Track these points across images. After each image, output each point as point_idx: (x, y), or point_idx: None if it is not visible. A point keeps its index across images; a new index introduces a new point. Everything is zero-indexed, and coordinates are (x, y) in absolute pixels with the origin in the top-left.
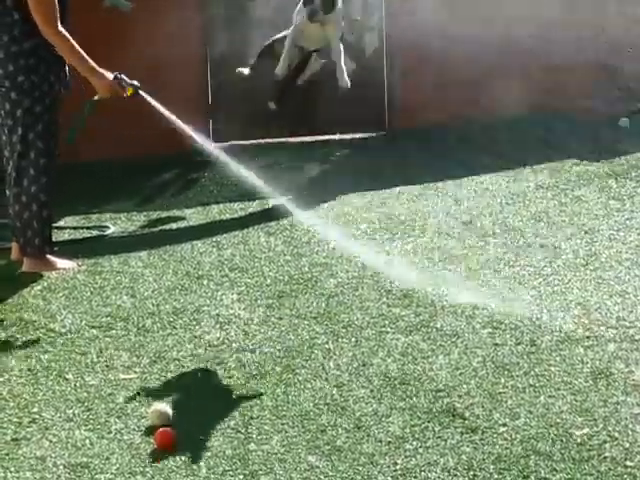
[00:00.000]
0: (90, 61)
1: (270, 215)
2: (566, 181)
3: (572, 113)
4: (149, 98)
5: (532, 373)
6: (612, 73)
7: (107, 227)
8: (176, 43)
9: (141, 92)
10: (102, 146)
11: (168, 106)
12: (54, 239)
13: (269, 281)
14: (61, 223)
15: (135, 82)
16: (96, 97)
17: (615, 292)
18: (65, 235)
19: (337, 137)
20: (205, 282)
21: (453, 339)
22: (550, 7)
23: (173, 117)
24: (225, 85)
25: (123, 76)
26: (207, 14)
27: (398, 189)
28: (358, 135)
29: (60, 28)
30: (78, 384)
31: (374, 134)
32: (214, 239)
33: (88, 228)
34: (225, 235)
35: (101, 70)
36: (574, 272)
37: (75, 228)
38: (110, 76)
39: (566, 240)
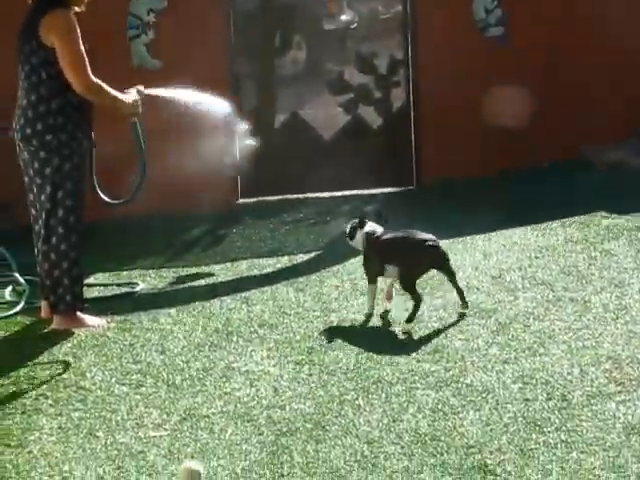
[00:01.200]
0: (120, 96)
1: (299, 270)
2: (595, 235)
3: (600, 165)
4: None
5: (564, 429)
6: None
7: (136, 284)
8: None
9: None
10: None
11: (197, 163)
12: (84, 296)
13: (298, 337)
14: (91, 280)
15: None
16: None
17: None
18: (95, 292)
19: (365, 192)
20: (234, 338)
21: (483, 394)
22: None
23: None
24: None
25: (140, 88)
26: (235, 73)
27: None
28: (387, 190)
29: (92, 77)
30: (108, 442)
31: (402, 189)
32: (243, 295)
33: (118, 285)
34: (254, 291)
35: (130, 96)
36: (604, 326)
37: (105, 285)
38: (133, 94)
39: (596, 294)
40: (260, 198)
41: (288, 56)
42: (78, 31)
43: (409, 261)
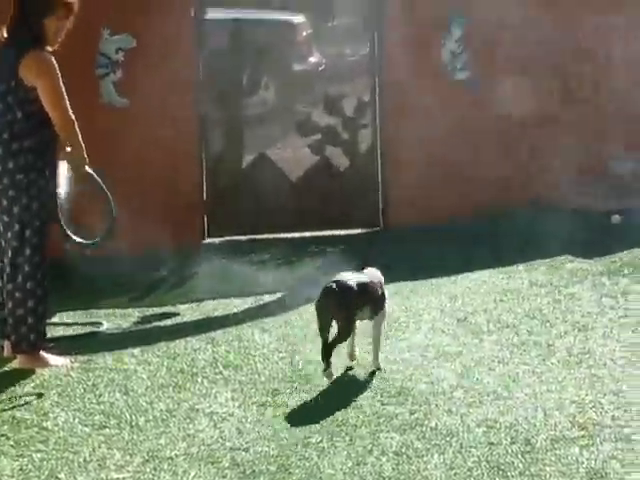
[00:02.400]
0: (81, 145)
1: (265, 311)
2: (560, 278)
3: (566, 209)
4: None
5: (527, 473)
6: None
7: (100, 323)
8: (172, 139)
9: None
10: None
11: (164, 203)
12: (48, 335)
13: (263, 378)
14: (55, 319)
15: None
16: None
17: (610, 390)
18: (59, 331)
19: (332, 234)
20: (199, 379)
21: (448, 438)
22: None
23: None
24: (219, 182)
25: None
26: (202, 112)
27: (392, 285)
28: (353, 232)
29: (70, 112)
30: None
31: (369, 230)
32: (208, 335)
33: (82, 324)
34: (219, 331)
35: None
36: (568, 370)
37: (69, 324)
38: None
39: (560, 337)
40: (227, 238)
41: (256, 97)
42: (57, 69)
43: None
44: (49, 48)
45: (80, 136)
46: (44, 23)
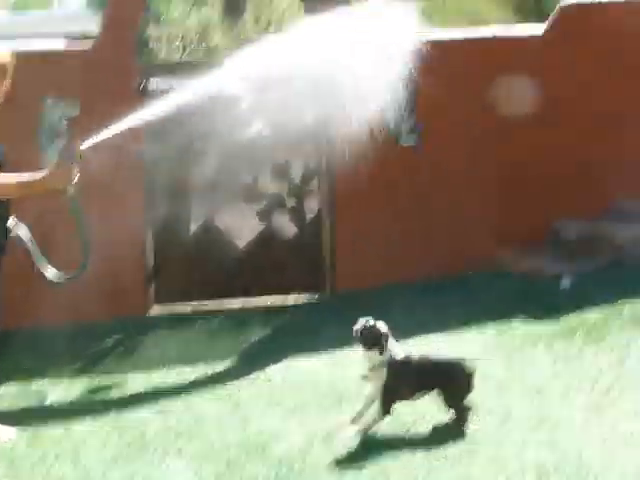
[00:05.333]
0: (31, 178)
1: (215, 379)
2: (512, 342)
3: (516, 271)
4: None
5: None
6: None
7: (47, 394)
8: (116, 207)
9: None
10: (43, 312)
11: (108, 272)
12: None
13: (217, 447)
14: (0, 391)
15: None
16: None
17: (570, 454)
18: (4, 403)
19: (280, 301)
20: (151, 450)
21: None
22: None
23: None
24: (166, 250)
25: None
26: (146, 178)
27: (344, 352)
28: (301, 299)
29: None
30: None
31: (316, 297)
32: (159, 405)
33: (27, 396)
34: (169, 401)
35: (43, 172)
36: (527, 434)
37: (14, 396)
38: (54, 165)
39: (515, 401)
40: (174, 307)
41: (202, 165)
42: None
43: None
44: None
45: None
46: None
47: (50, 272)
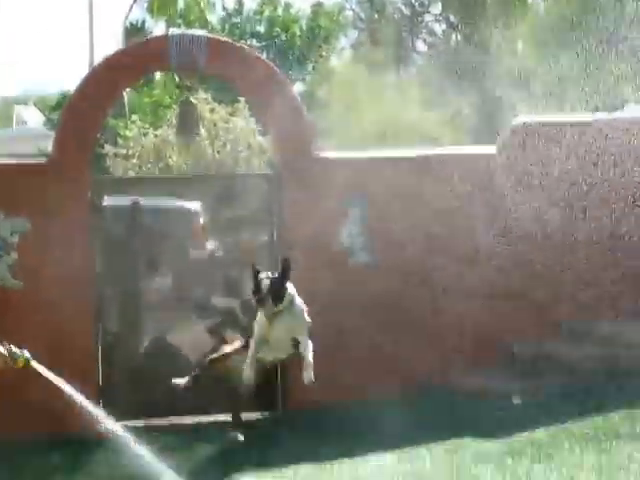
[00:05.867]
0: None
1: None
2: (462, 459)
3: (467, 390)
4: (43, 369)
5: None
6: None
7: None
8: (66, 324)
9: (33, 363)
10: None
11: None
12: None
13: None
14: None
15: (26, 352)
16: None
17: None
18: None
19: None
20: None
21: None
22: None
23: (69, 390)
24: (116, 367)
25: (12, 346)
26: (98, 293)
27: (292, 468)
28: (253, 415)
29: None
30: None
31: (269, 413)
32: None
33: None
34: None
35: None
36: None
37: None
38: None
39: None
40: (123, 423)
41: (154, 281)
42: None
43: None
44: None
45: None
46: None
47: None
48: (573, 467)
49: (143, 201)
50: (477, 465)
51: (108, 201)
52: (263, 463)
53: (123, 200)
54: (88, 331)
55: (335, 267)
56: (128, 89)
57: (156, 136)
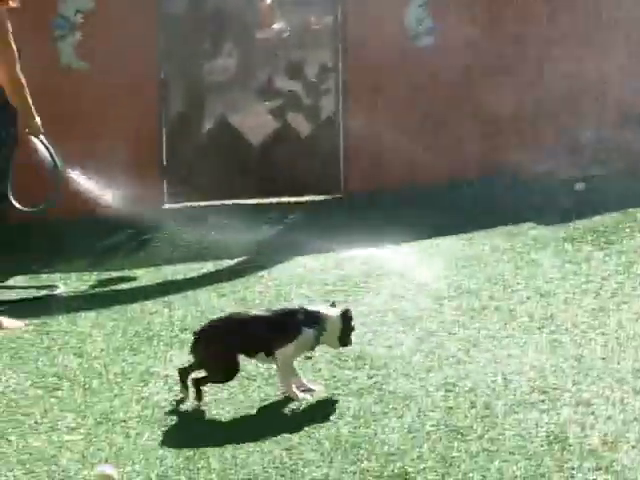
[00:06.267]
0: (31, 108)
1: (223, 276)
2: (522, 245)
3: (528, 176)
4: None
5: (486, 437)
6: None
7: (56, 287)
8: (132, 103)
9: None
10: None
11: (123, 165)
12: (2, 298)
13: None
14: (10, 282)
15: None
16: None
17: (571, 355)
18: (13, 294)
19: (293, 199)
20: (155, 342)
21: (406, 402)
22: None
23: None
24: (179, 146)
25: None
26: (163, 75)
27: (352, 252)
28: (314, 198)
29: (19, 72)
30: (20, 446)
31: (330, 197)
32: (165, 299)
33: (37, 288)
34: (177, 295)
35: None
36: (529, 335)
37: (24, 287)
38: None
39: (521, 303)
40: (186, 204)
41: (218, 62)
42: (8, 25)
43: None
44: (11, 3)
45: (30, 100)
46: None
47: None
48: (632, 253)
49: None
50: (536, 250)
51: None
52: (322, 246)
53: None
54: (152, 111)
55: (398, 51)
56: None
57: None
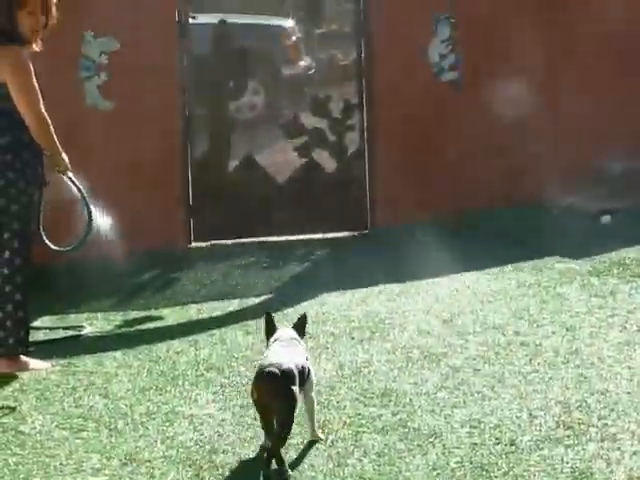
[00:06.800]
0: (57, 144)
1: (249, 314)
2: (548, 279)
3: (556, 209)
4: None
5: (511, 473)
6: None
7: (83, 327)
8: (158, 142)
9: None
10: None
11: (150, 204)
12: (30, 339)
13: (245, 381)
14: (37, 323)
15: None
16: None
17: (596, 390)
18: (40, 335)
19: (319, 236)
20: (180, 382)
21: (431, 439)
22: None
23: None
24: (206, 185)
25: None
26: (188, 114)
27: (378, 288)
28: (340, 234)
29: (43, 109)
30: None
31: (356, 233)
32: (191, 338)
33: (64, 328)
34: (202, 334)
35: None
36: (555, 370)
37: (51, 328)
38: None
39: (547, 338)
40: (212, 242)
41: (244, 100)
42: (31, 66)
43: None
44: (32, 47)
45: (56, 138)
46: (16, 18)
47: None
48: None
49: (233, 18)
50: (562, 284)
51: (200, 19)
52: (347, 282)
53: (212, 18)
54: (178, 152)
55: (423, 86)
56: None
57: None
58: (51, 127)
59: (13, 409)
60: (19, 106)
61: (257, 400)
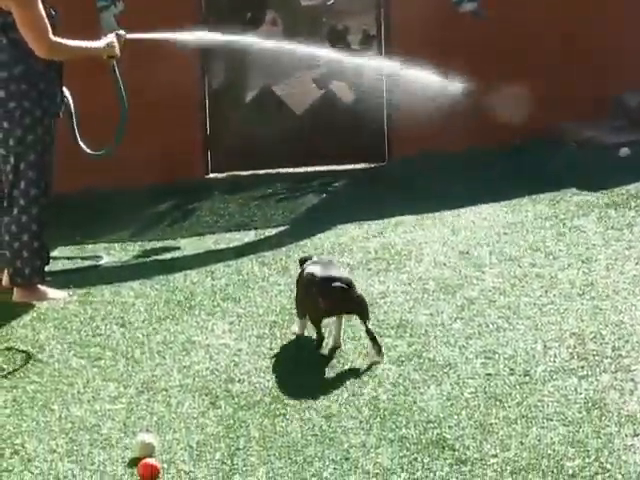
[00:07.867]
0: (90, 45)
1: (265, 245)
2: (565, 211)
3: (574, 142)
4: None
5: (525, 404)
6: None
7: (100, 257)
8: (174, 74)
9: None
10: (98, 176)
11: (167, 137)
12: (46, 269)
13: (261, 311)
14: (55, 253)
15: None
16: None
17: (611, 322)
18: (59, 265)
19: (336, 168)
20: (197, 312)
21: (445, 369)
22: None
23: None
24: (223, 116)
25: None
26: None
27: (395, 219)
28: (357, 165)
29: (53, 38)
30: (63, 415)
31: (373, 164)
32: (208, 269)
33: (82, 258)
34: (219, 265)
35: (102, 41)
36: (570, 302)
37: (69, 258)
38: (110, 37)
39: (563, 270)
40: (230, 173)
41: (262, 31)
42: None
43: (312, 300)
44: None
45: (79, 43)
46: None
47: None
48: None
49: None
50: (579, 217)
51: None
52: (364, 214)
53: None
54: (195, 83)
55: (441, 16)
56: None
57: None
58: (66, 45)
59: (32, 338)
60: (25, 38)
61: (327, 310)
